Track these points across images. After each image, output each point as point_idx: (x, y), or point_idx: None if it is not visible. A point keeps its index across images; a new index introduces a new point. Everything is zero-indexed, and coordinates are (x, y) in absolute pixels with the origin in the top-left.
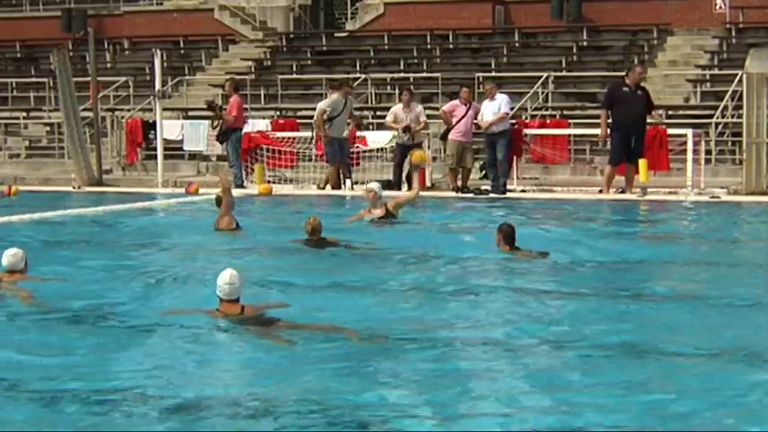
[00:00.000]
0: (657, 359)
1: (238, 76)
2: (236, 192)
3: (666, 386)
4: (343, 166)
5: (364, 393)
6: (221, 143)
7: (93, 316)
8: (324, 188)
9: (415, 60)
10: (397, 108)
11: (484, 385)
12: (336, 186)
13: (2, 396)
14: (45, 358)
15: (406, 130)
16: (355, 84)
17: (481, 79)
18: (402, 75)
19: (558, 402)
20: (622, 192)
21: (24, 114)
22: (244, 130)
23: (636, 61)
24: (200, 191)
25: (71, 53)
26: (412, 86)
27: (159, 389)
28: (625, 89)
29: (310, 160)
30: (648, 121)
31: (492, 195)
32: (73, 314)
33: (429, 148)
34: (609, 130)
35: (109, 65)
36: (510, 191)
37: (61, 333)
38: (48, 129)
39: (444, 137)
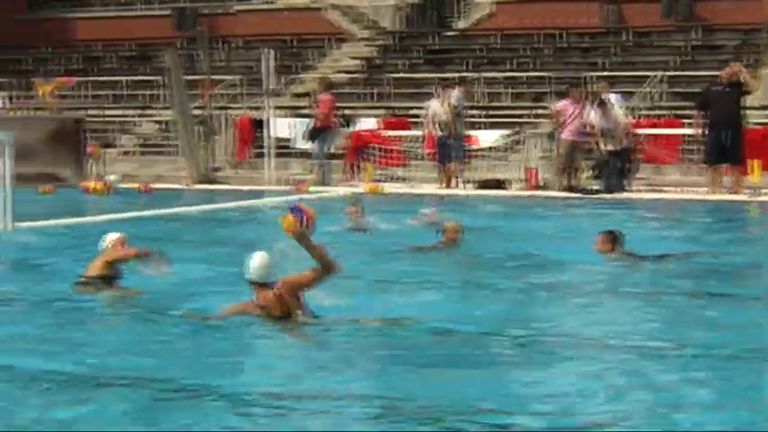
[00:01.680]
0: None
1: (349, 75)
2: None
3: None
4: (458, 164)
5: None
6: (312, 141)
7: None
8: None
9: (526, 59)
10: (436, 103)
11: (590, 385)
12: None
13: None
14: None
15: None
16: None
17: (593, 78)
18: (512, 74)
19: (659, 403)
20: (733, 192)
21: (137, 112)
22: (352, 129)
23: (748, 61)
24: (311, 189)
25: (183, 51)
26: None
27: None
28: (716, 88)
29: (421, 159)
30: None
31: (602, 196)
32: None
33: (536, 147)
34: (704, 130)
35: (220, 63)
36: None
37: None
38: (159, 126)
39: (552, 136)
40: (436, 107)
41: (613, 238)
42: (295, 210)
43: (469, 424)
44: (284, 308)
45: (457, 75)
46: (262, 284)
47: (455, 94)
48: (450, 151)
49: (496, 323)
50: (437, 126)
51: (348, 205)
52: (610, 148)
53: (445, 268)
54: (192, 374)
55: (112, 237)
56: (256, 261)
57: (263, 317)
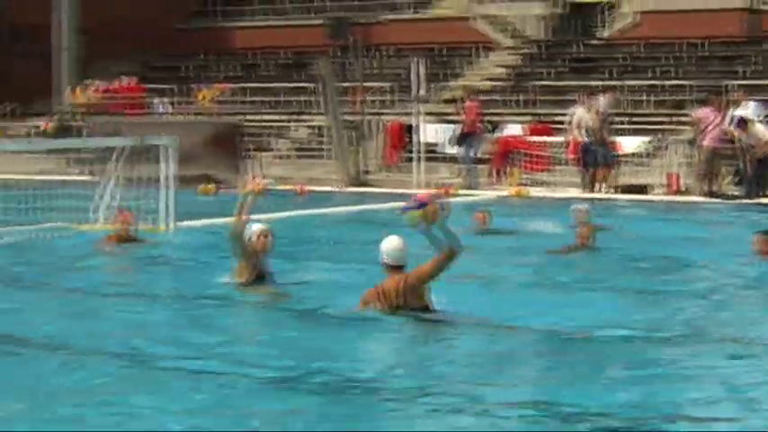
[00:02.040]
0: None
1: (496, 83)
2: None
3: None
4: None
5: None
6: (459, 146)
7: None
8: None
9: (668, 68)
10: (580, 110)
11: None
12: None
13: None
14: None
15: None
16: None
17: (734, 87)
18: (654, 82)
19: None
20: None
21: (291, 117)
22: (498, 135)
23: None
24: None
25: (336, 60)
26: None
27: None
28: None
29: (564, 164)
30: None
31: (742, 201)
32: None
33: (677, 153)
34: None
35: (372, 71)
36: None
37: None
38: (313, 131)
39: (693, 142)
40: (581, 114)
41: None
42: (416, 202)
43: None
44: (407, 297)
45: (600, 83)
46: (395, 267)
47: (602, 101)
48: (594, 157)
49: (645, 326)
50: (582, 132)
51: (476, 211)
52: (750, 157)
53: (588, 271)
54: (339, 371)
55: (256, 230)
56: (390, 244)
57: (384, 308)
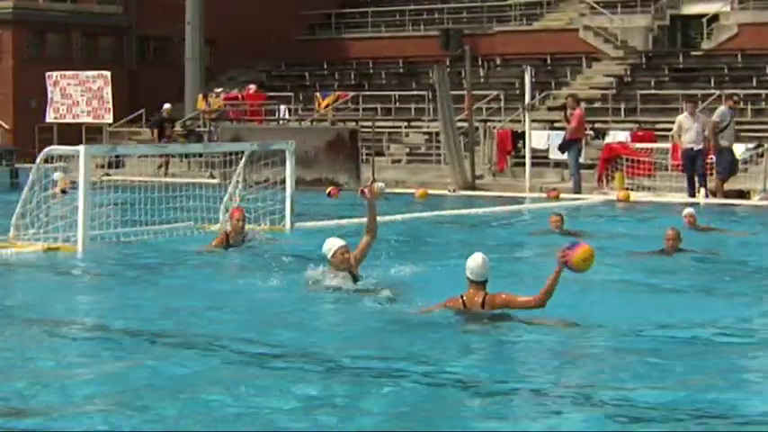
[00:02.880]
0: None
1: (601, 91)
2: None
3: None
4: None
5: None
6: (562, 153)
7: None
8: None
9: (766, 77)
10: (682, 117)
11: None
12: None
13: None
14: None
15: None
16: (710, 99)
17: None
18: (754, 91)
19: None
20: None
21: (405, 124)
22: (606, 141)
23: None
24: (561, 196)
25: (448, 69)
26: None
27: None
28: None
29: (666, 170)
30: None
31: None
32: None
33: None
34: None
35: (482, 79)
36: None
37: None
38: (426, 137)
39: None
40: (683, 121)
41: None
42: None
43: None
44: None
45: (701, 92)
46: (477, 283)
47: (720, 108)
48: (693, 163)
49: (731, 328)
50: (683, 139)
51: (552, 215)
52: None
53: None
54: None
55: (334, 245)
56: (474, 261)
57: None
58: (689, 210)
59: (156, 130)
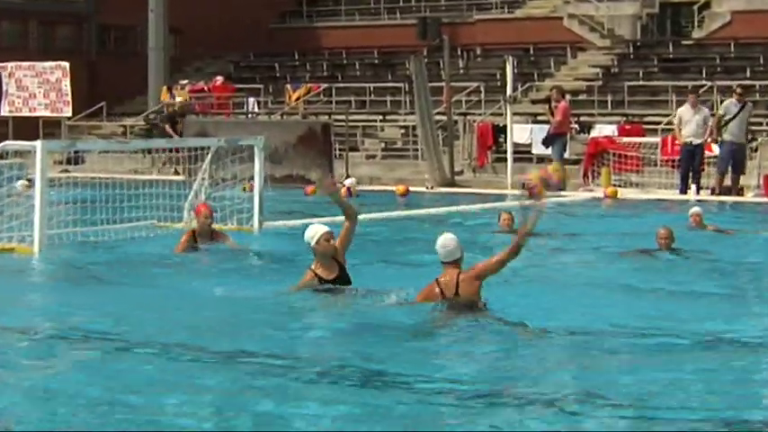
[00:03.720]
0: None
1: (586, 83)
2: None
3: None
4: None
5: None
6: (546, 147)
7: None
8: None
9: (760, 68)
10: (683, 109)
11: None
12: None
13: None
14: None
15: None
16: (701, 91)
17: None
18: (747, 82)
19: None
20: None
21: (380, 117)
22: (592, 135)
23: None
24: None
25: (426, 60)
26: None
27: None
28: None
29: (655, 165)
30: None
31: None
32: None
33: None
34: None
35: (461, 71)
36: None
37: None
38: (402, 131)
39: None
40: (683, 113)
41: None
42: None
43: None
44: (461, 290)
45: (691, 83)
46: (448, 263)
47: (726, 101)
48: (692, 159)
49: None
50: (684, 132)
51: (502, 213)
52: None
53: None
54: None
55: (318, 231)
56: (441, 241)
57: (441, 300)
58: (695, 209)
59: (167, 125)
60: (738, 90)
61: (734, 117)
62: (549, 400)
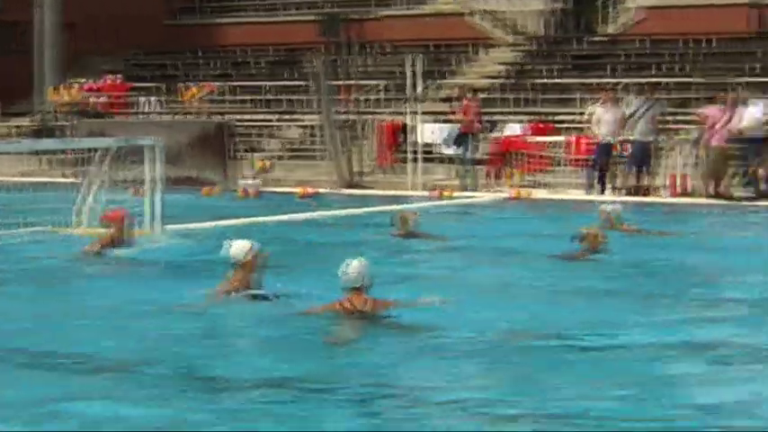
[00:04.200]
0: None
1: (494, 80)
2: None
3: None
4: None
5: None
6: (457, 146)
7: None
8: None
9: (672, 65)
10: (597, 107)
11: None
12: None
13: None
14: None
15: None
16: (611, 88)
17: (742, 86)
18: (658, 79)
19: None
20: None
21: (277, 117)
22: (497, 134)
23: None
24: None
25: (332, 57)
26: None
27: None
28: None
29: (566, 165)
30: None
31: (754, 202)
32: None
33: (682, 153)
34: None
35: (365, 68)
36: None
37: None
38: (303, 131)
39: (697, 142)
40: (599, 112)
41: None
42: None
43: None
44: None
45: (596, 81)
46: (353, 289)
47: (629, 98)
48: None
49: (644, 331)
50: (600, 131)
51: (398, 214)
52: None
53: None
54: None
55: (250, 246)
56: (345, 268)
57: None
58: (610, 207)
59: None
60: (647, 87)
61: (641, 116)
62: (461, 406)
